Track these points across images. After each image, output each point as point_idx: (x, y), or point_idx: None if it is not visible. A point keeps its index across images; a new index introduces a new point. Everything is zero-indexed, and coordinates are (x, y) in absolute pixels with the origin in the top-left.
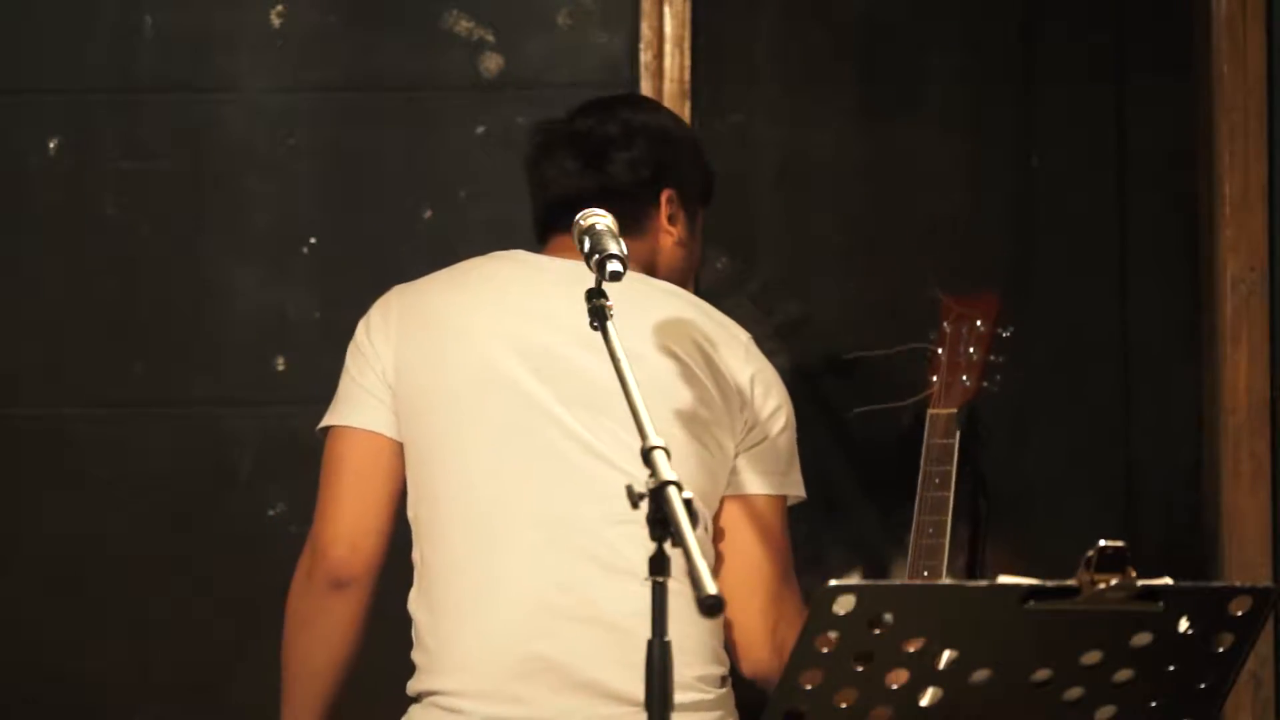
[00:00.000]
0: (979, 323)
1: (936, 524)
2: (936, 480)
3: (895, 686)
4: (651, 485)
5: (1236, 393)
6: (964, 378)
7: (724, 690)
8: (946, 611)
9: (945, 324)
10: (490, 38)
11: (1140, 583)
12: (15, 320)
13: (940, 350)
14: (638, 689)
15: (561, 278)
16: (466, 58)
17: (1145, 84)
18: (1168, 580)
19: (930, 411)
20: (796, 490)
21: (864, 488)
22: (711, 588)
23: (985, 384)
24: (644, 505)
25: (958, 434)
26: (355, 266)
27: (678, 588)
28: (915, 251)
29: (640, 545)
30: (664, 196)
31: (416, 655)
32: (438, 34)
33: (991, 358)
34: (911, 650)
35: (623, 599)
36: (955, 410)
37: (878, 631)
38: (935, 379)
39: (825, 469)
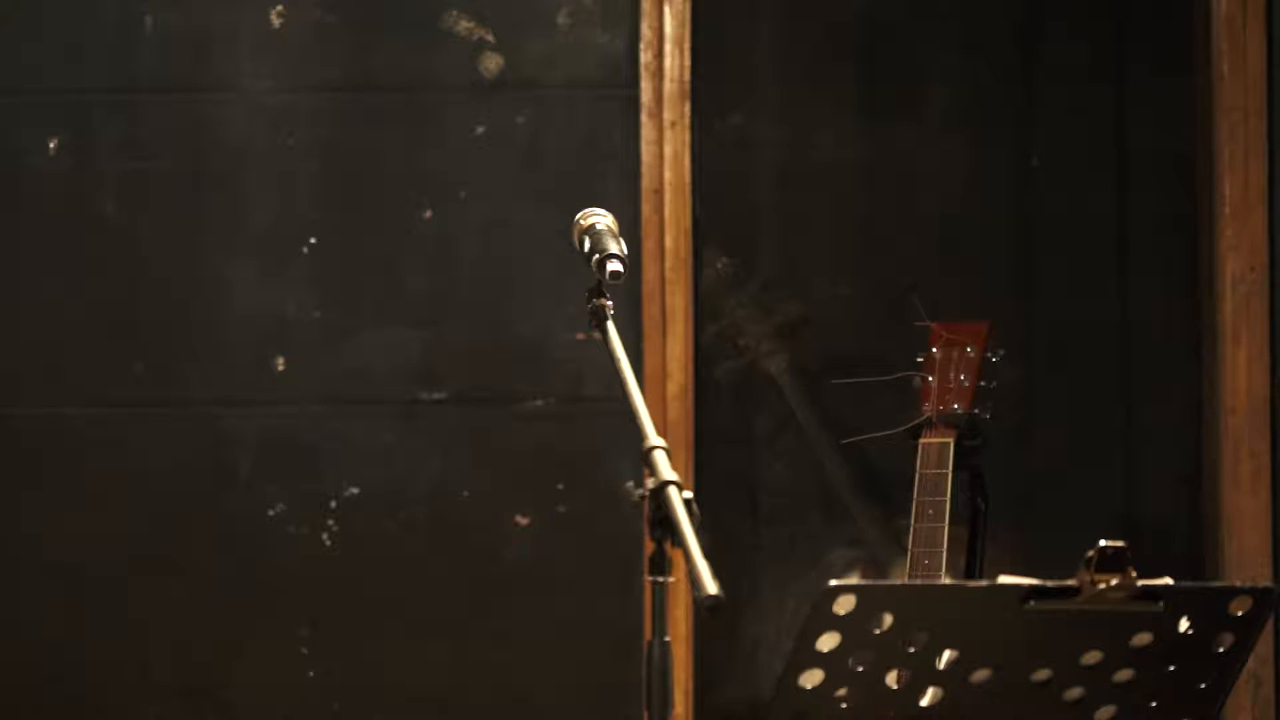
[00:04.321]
0: (969, 349)
1: (932, 556)
2: (930, 511)
3: (895, 686)
4: (652, 485)
5: (1236, 393)
6: (955, 405)
7: None
8: (946, 611)
9: (934, 350)
10: (490, 38)
11: (1140, 583)
12: (15, 320)
13: (930, 378)
14: None
15: None
16: (466, 58)
17: (1145, 84)
18: (1168, 580)
19: (922, 441)
20: None
21: (864, 488)
22: (712, 587)
23: (977, 410)
24: (645, 505)
25: (951, 463)
26: (355, 266)
27: None
28: (915, 251)
29: None
30: None
31: None
32: (438, 34)
33: (982, 383)
34: (911, 650)
35: None
36: (948, 440)
37: (878, 631)
38: (926, 406)
39: (825, 468)
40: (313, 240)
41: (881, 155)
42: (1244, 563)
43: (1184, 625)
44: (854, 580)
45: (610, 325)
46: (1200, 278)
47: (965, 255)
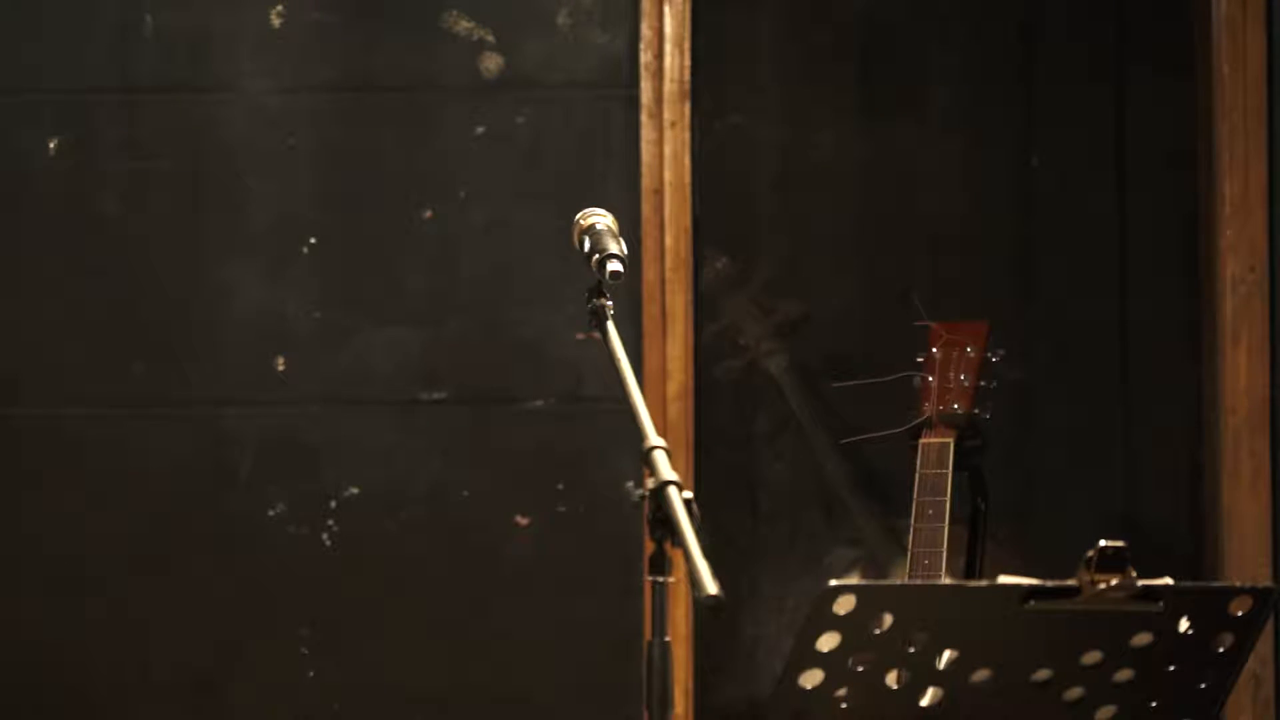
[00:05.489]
0: (969, 348)
1: (932, 556)
2: (930, 511)
3: (895, 686)
4: (652, 485)
5: (1236, 393)
6: (955, 405)
7: None
8: (946, 611)
9: (934, 350)
10: (490, 38)
11: (1140, 583)
12: (15, 320)
13: (930, 378)
14: None
15: None
16: (466, 58)
17: (1145, 84)
18: (1168, 580)
19: (922, 441)
20: None
21: (864, 488)
22: (712, 587)
23: (977, 410)
24: (645, 505)
25: (951, 463)
26: (355, 266)
27: None
28: (915, 251)
29: None
30: None
31: None
32: (438, 34)
33: (982, 383)
34: (911, 650)
35: None
36: (948, 440)
37: (878, 631)
38: (926, 406)
39: (825, 468)
40: (313, 240)
41: (881, 155)
42: (1244, 563)
43: (1184, 625)
44: (854, 580)
45: (610, 325)
46: (1200, 278)
47: (965, 255)
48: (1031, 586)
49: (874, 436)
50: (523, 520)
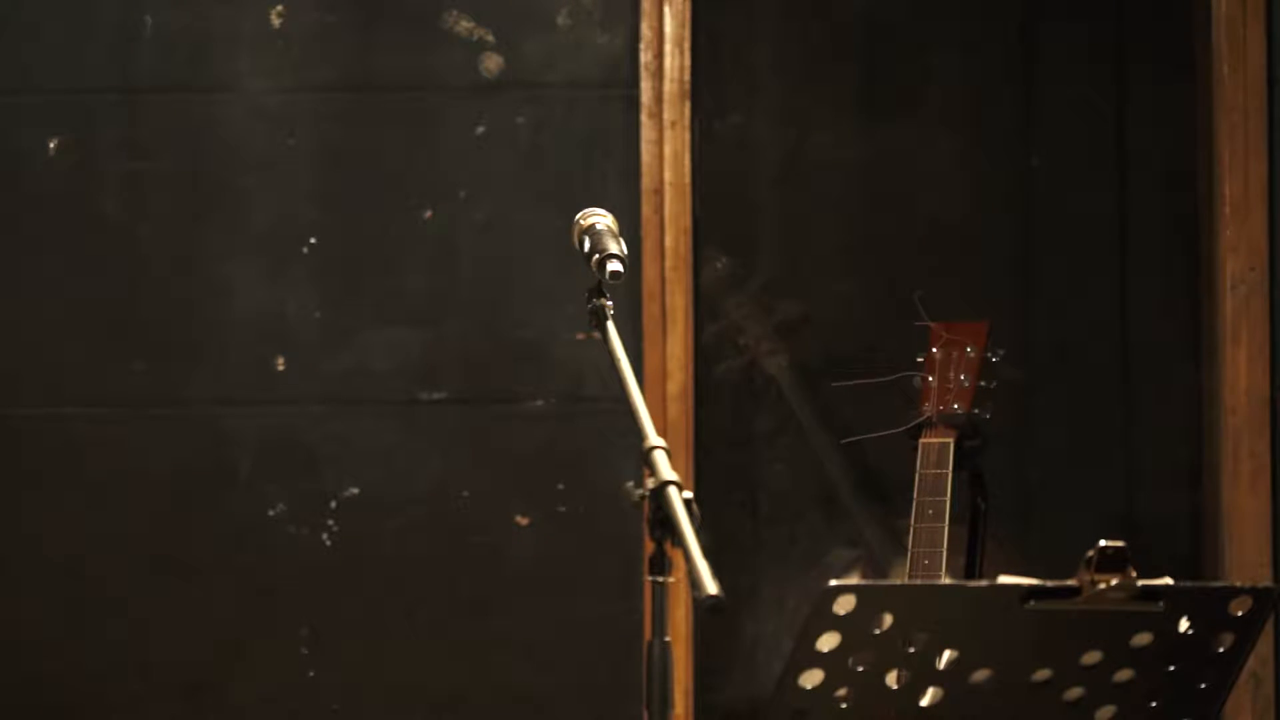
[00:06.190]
0: (968, 349)
1: (932, 556)
2: (930, 511)
3: (895, 686)
4: (652, 485)
5: (1236, 393)
6: (955, 405)
7: None
8: (946, 611)
9: (934, 350)
10: (490, 38)
11: (1140, 583)
12: (15, 320)
13: (930, 378)
14: None
15: None
16: (466, 58)
17: (1145, 84)
18: (1168, 580)
19: (922, 441)
20: None
21: (864, 488)
22: (712, 587)
23: (977, 410)
24: (645, 505)
25: (951, 463)
26: (355, 266)
27: None
28: (915, 251)
29: None
30: None
31: None
32: (438, 34)
33: (982, 383)
34: (911, 650)
35: None
36: (948, 440)
37: (878, 631)
38: (926, 406)
39: (825, 468)
40: (313, 240)
41: (881, 155)
42: (1244, 563)
43: (1184, 625)
44: (854, 580)
45: (610, 325)
46: (1200, 278)
47: (965, 255)
48: (1031, 586)
49: (874, 436)
50: (523, 520)
